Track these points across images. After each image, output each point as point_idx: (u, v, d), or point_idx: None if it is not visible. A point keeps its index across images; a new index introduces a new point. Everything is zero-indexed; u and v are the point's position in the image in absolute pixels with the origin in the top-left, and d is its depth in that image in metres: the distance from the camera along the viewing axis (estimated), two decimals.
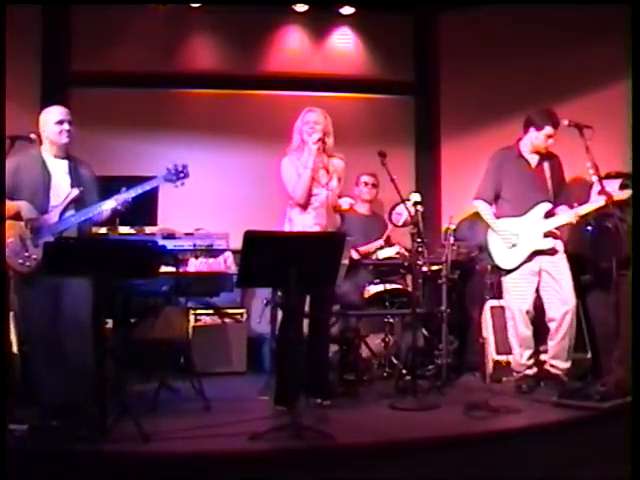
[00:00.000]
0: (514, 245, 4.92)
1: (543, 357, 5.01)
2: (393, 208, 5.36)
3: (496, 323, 5.33)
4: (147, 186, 4.22)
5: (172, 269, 5.13)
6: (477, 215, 5.20)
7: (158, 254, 4.20)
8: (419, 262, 5.11)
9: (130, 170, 5.43)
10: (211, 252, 5.61)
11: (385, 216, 5.68)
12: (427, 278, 5.35)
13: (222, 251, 5.63)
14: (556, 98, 5.86)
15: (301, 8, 6.48)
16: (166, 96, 6.48)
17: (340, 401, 4.62)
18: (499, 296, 5.26)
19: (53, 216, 4.12)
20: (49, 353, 4.06)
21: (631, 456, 3.52)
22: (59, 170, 4.23)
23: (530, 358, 4.94)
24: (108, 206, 4.16)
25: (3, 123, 4.44)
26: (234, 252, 5.43)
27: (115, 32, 6.32)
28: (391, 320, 5.37)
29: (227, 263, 5.59)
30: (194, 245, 5.57)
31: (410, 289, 5.36)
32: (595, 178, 4.72)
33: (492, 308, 5.41)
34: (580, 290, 5.14)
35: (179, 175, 4.26)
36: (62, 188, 4.19)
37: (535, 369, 4.96)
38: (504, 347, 5.17)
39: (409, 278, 5.47)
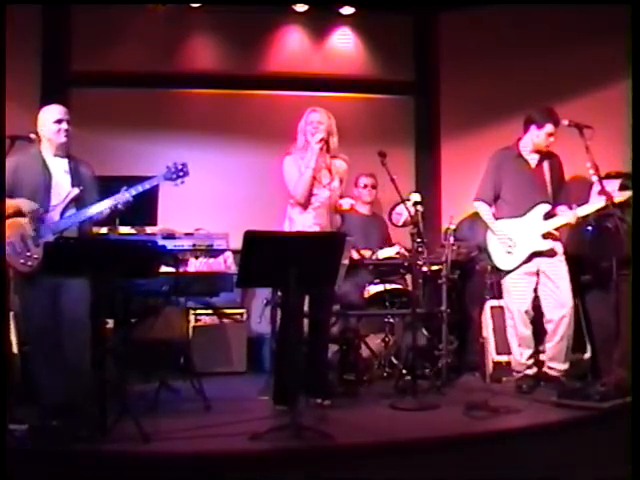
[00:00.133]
0: (510, 252, 4.92)
1: (543, 357, 5.01)
2: (393, 208, 5.37)
3: (496, 323, 5.33)
4: (147, 185, 4.22)
5: (172, 269, 5.12)
6: (477, 215, 5.20)
7: (158, 254, 4.20)
8: (419, 262, 5.11)
9: (130, 170, 5.43)
10: (211, 252, 5.60)
11: (385, 216, 5.68)
12: (427, 278, 5.35)
13: (222, 251, 5.63)
14: (556, 98, 5.85)
15: (301, 8, 6.48)
16: (166, 96, 6.48)
17: (340, 401, 4.62)
18: (499, 296, 5.26)
19: (54, 215, 4.12)
20: (49, 353, 4.06)
21: (631, 456, 3.51)
22: (59, 169, 4.23)
23: (530, 358, 4.94)
24: (109, 204, 4.16)
25: (3, 123, 4.44)
26: (234, 252, 5.43)
27: (115, 32, 6.32)
28: (391, 320, 5.37)
29: (227, 263, 5.59)
30: (194, 245, 5.57)
31: (410, 289, 5.36)
32: (595, 178, 4.73)
33: (492, 308, 5.41)
34: (580, 290, 5.14)
35: (179, 174, 4.26)
36: (62, 187, 4.19)
37: (535, 369, 4.96)
38: (504, 347, 5.17)
39: (409, 278, 5.47)
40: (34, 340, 4.19)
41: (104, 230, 5.12)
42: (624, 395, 4.22)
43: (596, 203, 4.86)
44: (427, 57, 6.82)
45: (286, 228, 4.64)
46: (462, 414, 4.28)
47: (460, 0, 6.47)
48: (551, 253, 4.92)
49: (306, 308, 4.62)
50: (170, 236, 5.50)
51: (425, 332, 5.42)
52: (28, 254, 4.04)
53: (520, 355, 4.96)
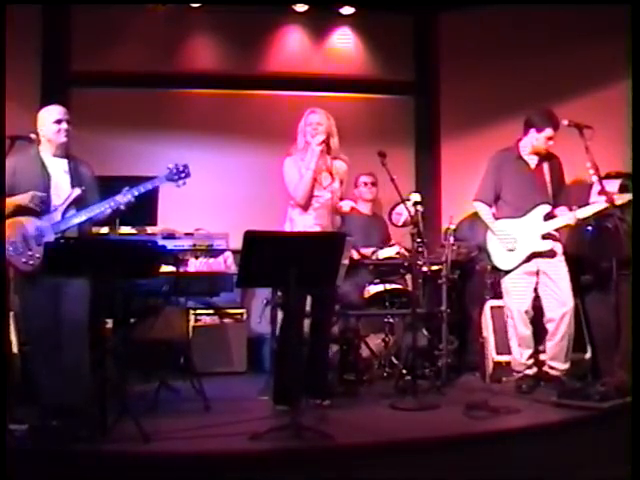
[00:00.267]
0: (511, 250, 4.92)
1: (543, 357, 5.01)
2: (393, 208, 5.37)
3: (496, 323, 5.33)
4: (149, 185, 4.22)
5: (172, 269, 5.13)
6: (477, 215, 5.19)
7: (158, 254, 4.20)
8: (419, 262, 5.11)
9: (130, 170, 5.43)
10: (211, 252, 5.61)
11: (385, 216, 5.68)
12: (427, 278, 5.35)
13: (222, 251, 5.63)
14: (556, 98, 5.87)
15: (301, 8, 6.48)
16: (166, 96, 6.48)
17: (340, 401, 4.62)
18: (499, 296, 5.26)
19: (55, 216, 4.11)
20: (49, 353, 4.05)
21: (631, 456, 3.51)
22: (58, 170, 4.22)
23: (530, 358, 4.94)
24: (110, 205, 4.15)
25: (3, 123, 4.43)
26: (234, 252, 5.43)
27: (115, 32, 6.32)
28: (391, 320, 5.37)
29: (227, 263, 5.59)
30: (194, 245, 5.58)
31: (410, 289, 5.36)
32: (595, 178, 4.72)
33: (492, 308, 5.40)
34: (580, 290, 5.14)
35: (181, 175, 4.26)
36: (62, 188, 4.18)
37: (535, 369, 4.96)
38: (504, 347, 5.16)
39: (409, 278, 5.47)
40: (34, 340, 4.18)
41: (104, 230, 5.13)
42: (624, 395, 4.22)
43: (596, 205, 4.85)
44: (427, 57, 6.82)
45: (287, 229, 4.63)
46: (462, 414, 4.28)
47: (460, 0, 6.47)
48: (551, 253, 4.92)
49: (308, 308, 4.63)
50: (170, 236, 5.51)
51: (425, 332, 5.41)
52: (30, 253, 4.03)
53: (520, 355, 4.96)
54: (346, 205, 4.77)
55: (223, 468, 3.59)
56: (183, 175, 4.26)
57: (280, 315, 4.92)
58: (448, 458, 3.75)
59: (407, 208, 4.87)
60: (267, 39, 6.62)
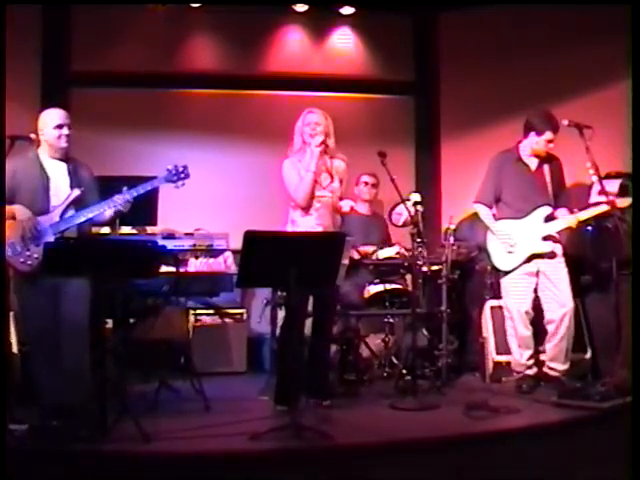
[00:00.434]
0: (511, 252, 4.92)
1: (543, 357, 5.01)
2: (393, 208, 5.37)
3: (496, 323, 5.33)
4: (148, 186, 4.21)
5: (172, 269, 5.12)
6: (477, 215, 5.19)
7: (158, 254, 4.20)
8: (419, 262, 5.11)
9: (130, 170, 5.42)
10: (211, 252, 5.61)
11: (385, 216, 5.68)
12: (427, 278, 5.35)
13: (222, 251, 5.63)
14: (556, 98, 5.87)
15: (301, 8, 6.48)
16: (166, 96, 6.48)
17: (340, 401, 4.62)
18: (499, 296, 5.26)
19: (54, 216, 4.11)
20: (49, 353, 4.06)
21: (631, 456, 3.51)
22: (58, 172, 4.21)
23: (530, 358, 4.94)
24: (108, 206, 4.15)
25: (3, 123, 4.43)
26: (234, 252, 5.43)
27: (115, 32, 6.32)
28: (391, 320, 5.37)
29: (227, 263, 5.59)
30: (194, 245, 5.58)
31: (410, 289, 5.36)
32: (595, 178, 4.72)
33: (492, 308, 5.41)
34: (580, 290, 5.14)
35: (180, 176, 4.25)
36: (61, 190, 4.18)
37: (535, 369, 4.96)
38: (504, 347, 5.16)
39: (409, 278, 5.47)
40: (34, 340, 4.18)
41: (105, 230, 5.13)
42: (624, 395, 4.22)
43: (597, 208, 4.85)
44: (427, 57, 6.82)
45: (289, 230, 4.63)
46: (462, 414, 4.28)
47: (460, 0, 6.47)
48: (551, 255, 4.91)
49: (309, 308, 4.63)
50: (170, 236, 5.51)
51: (425, 332, 5.41)
52: (28, 254, 4.03)
53: (520, 355, 4.95)
54: (346, 205, 4.77)
55: (223, 468, 3.59)
56: (182, 176, 4.26)
57: (280, 315, 4.92)
58: (448, 458, 3.74)
59: (407, 208, 4.87)
60: (267, 39, 6.62)
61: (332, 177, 4.64)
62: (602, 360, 5.20)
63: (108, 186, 4.29)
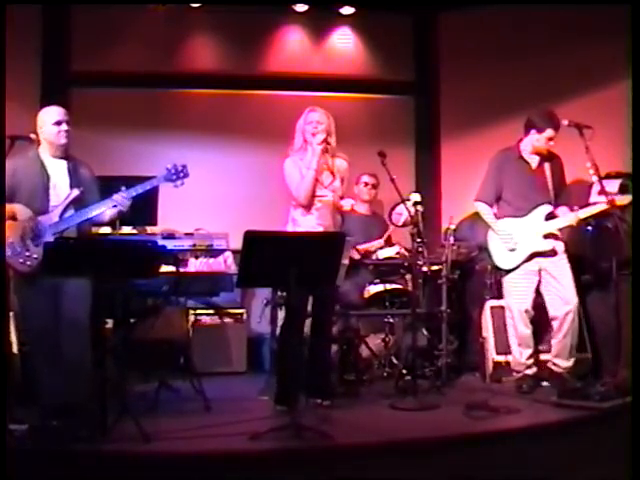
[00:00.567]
0: (513, 249, 4.92)
1: (543, 357, 5.01)
2: (393, 208, 5.36)
3: (496, 323, 5.33)
4: (147, 186, 4.21)
5: (172, 269, 5.13)
6: (477, 215, 5.20)
7: (158, 254, 4.20)
8: (419, 262, 5.11)
9: (130, 170, 5.42)
10: (211, 252, 5.62)
11: (385, 216, 5.68)
12: (427, 278, 5.35)
13: (222, 251, 5.63)
14: (556, 98, 5.87)
15: (301, 8, 6.48)
16: (166, 96, 6.48)
17: (340, 401, 4.62)
18: (499, 296, 5.26)
19: (54, 216, 4.11)
20: (49, 353, 4.06)
21: (631, 456, 3.51)
22: (58, 171, 4.21)
23: (530, 358, 4.94)
24: (107, 205, 4.15)
25: (3, 123, 4.43)
26: (234, 252, 5.43)
27: (115, 32, 6.32)
28: (391, 320, 5.37)
29: (227, 263, 5.59)
30: (194, 245, 5.58)
31: (410, 289, 5.36)
32: (595, 178, 4.72)
33: (492, 308, 5.41)
34: (580, 290, 5.14)
35: (179, 175, 4.25)
36: (61, 189, 4.18)
37: (535, 369, 4.96)
38: (504, 347, 5.17)
39: (409, 278, 5.47)
40: (34, 340, 4.19)
41: (105, 230, 5.13)
42: (624, 395, 4.22)
43: (598, 206, 4.85)
44: (427, 57, 6.82)
45: (290, 230, 4.62)
46: (462, 414, 4.28)
47: (460, 0, 6.47)
48: (553, 252, 4.92)
49: (309, 308, 4.63)
50: (170, 236, 5.51)
51: (425, 332, 5.41)
52: (27, 254, 4.03)
53: (520, 355, 4.96)
54: (347, 203, 4.77)
55: (223, 468, 3.59)
56: (182, 175, 4.26)
57: (281, 315, 4.92)
58: (448, 458, 3.74)
59: (407, 208, 4.87)
60: (267, 39, 6.62)
61: (334, 176, 4.64)
62: (602, 360, 5.20)
63: (108, 186, 4.29)
